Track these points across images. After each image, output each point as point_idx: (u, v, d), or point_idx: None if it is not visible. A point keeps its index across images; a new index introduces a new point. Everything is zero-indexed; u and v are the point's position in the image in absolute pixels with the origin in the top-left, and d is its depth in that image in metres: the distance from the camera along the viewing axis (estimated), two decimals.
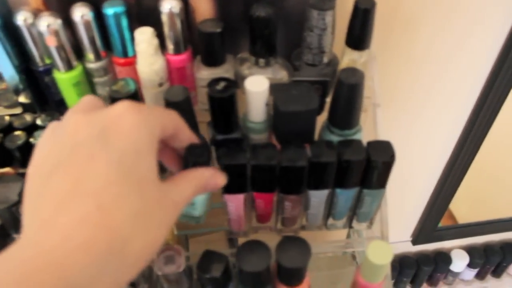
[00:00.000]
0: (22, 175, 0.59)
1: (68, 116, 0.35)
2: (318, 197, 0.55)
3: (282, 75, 0.56)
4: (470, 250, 1.30)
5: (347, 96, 0.50)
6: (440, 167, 0.99)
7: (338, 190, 0.54)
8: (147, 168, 0.33)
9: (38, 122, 0.60)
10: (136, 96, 0.51)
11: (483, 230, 1.21)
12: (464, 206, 1.19)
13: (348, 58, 0.56)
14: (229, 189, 0.53)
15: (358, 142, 0.51)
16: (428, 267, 1.26)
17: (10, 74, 0.56)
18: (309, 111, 0.50)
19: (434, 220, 1.11)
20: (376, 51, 0.60)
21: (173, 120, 0.39)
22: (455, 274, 1.33)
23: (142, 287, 0.57)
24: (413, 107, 0.82)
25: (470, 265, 1.31)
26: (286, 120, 0.51)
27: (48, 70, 0.55)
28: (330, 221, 0.60)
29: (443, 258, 1.28)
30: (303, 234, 0.57)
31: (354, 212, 0.59)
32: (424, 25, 0.68)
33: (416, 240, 1.19)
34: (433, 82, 0.78)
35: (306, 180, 0.52)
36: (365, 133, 0.56)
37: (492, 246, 1.30)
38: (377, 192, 0.55)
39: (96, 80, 0.58)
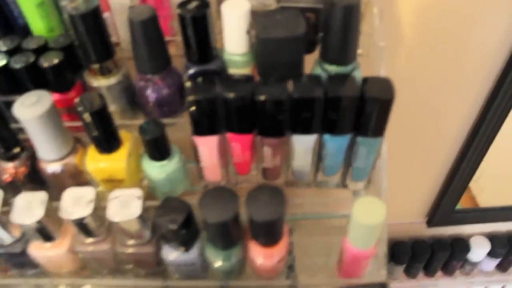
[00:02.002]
0: None
1: None
2: (303, 143, 0.47)
3: (270, 2, 0.48)
4: (492, 237, 1.19)
5: (340, 21, 0.42)
6: (460, 140, 0.89)
7: (326, 137, 0.46)
8: None
9: None
10: (96, 14, 0.45)
11: (507, 216, 1.11)
12: (488, 189, 1.09)
13: None
14: (199, 130, 0.46)
15: (351, 77, 0.44)
16: (444, 253, 1.17)
17: None
18: (294, 39, 0.42)
19: (452, 200, 1.02)
20: None
21: None
22: (474, 264, 1.23)
23: (98, 234, 0.51)
24: (430, 57, 0.73)
25: (491, 254, 1.20)
26: (268, 50, 0.43)
27: None
28: (320, 176, 0.53)
29: (461, 245, 1.18)
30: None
31: (348, 167, 0.51)
32: None
33: (431, 221, 1.09)
34: (459, 36, 0.69)
35: (287, 121, 0.44)
36: None
37: None
38: (374, 142, 0.47)
39: (64, 3, 0.51)
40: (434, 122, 0.84)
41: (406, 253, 1.16)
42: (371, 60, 0.52)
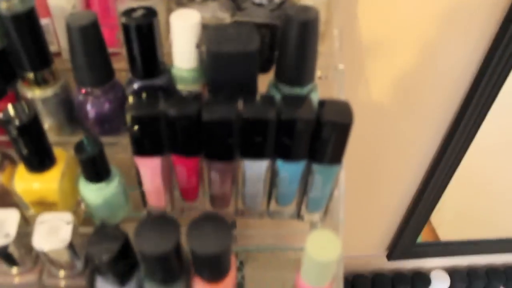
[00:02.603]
0: None
1: None
2: (254, 169, 0.43)
3: (223, 16, 0.45)
4: (452, 272, 1.18)
5: (296, 37, 0.39)
6: (421, 172, 0.87)
7: (280, 163, 0.43)
8: None
9: None
10: (31, 16, 0.41)
11: (467, 250, 1.10)
12: (448, 222, 1.08)
13: (306, 1, 0.45)
14: (140, 149, 0.42)
15: (307, 98, 0.40)
16: (404, 286, 1.15)
17: None
18: (247, 54, 0.39)
19: (412, 233, 1.00)
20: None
21: None
22: None
23: (24, 264, 0.46)
24: (390, 82, 0.71)
25: None
26: (218, 65, 0.40)
27: None
28: (273, 206, 0.49)
29: (422, 279, 1.17)
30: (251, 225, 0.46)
31: (303, 197, 0.48)
32: None
33: (391, 254, 1.07)
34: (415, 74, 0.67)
35: (236, 143, 0.40)
36: None
37: (476, 269, 1.19)
38: (331, 169, 0.44)
39: None
40: (395, 151, 0.82)
41: (366, 287, 1.13)
42: (330, 82, 0.49)
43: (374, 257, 1.10)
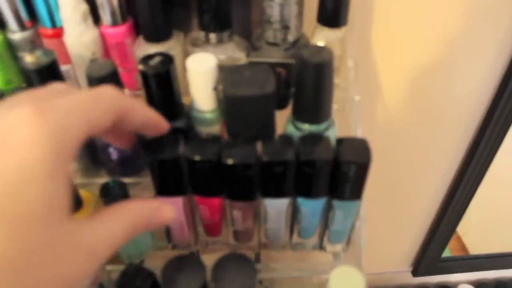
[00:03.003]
0: None
1: None
2: (275, 207, 0.44)
3: (239, 56, 0.46)
4: (479, 285, 1.16)
5: (312, 79, 0.40)
6: (443, 189, 0.86)
7: (300, 200, 0.43)
8: (38, 200, 0.23)
9: None
10: (53, 69, 0.42)
11: (494, 264, 1.08)
12: (476, 235, 1.06)
13: (320, 38, 0.45)
14: (163, 190, 0.43)
15: (324, 138, 0.41)
16: None
17: None
18: (263, 97, 0.40)
19: (437, 248, 0.98)
20: (357, 30, 0.50)
21: (110, 108, 0.29)
22: None
23: None
24: (408, 107, 0.70)
25: None
26: (236, 108, 0.41)
27: None
28: (296, 239, 0.49)
29: None
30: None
31: (325, 229, 0.48)
32: None
33: (416, 271, 1.05)
34: (437, 72, 0.66)
35: (257, 184, 0.41)
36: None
37: (505, 282, 1.16)
38: (351, 205, 0.44)
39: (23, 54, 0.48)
40: (416, 172, 0.81)
41: None
42: (347, 114, 0.49)
43: (399, 273, 1.09)
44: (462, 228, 1.07)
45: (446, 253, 1.07)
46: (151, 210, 0.31)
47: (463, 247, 1.11)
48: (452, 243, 1.09)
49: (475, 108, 0.71)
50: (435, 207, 0.91)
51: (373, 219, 0.64)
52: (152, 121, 0.34)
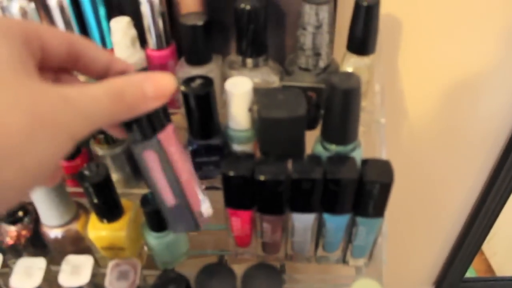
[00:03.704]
0: None
1: None
2: (302, 222, 0.47)
3: (273, 79, 0.50)
4: None
5: (340, 104, 0.43)
6: (468, 206, 0.88)
7: (326, 216, 0.46)
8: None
9: None
10: None
11: None
12: (503, 257, 1.06)
13: (349, 64, 0.49)
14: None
15: (350, 159, 0.44)
16: None
17: None
18: (295, 119, 0.43)
19: (460, 268, 0.99)
20: (384, 57, 0.53)
21: (63, 33, 0.28)
22: None
23: None
24: (432, 130, 0.72)
25: None
26: (269, 129, 0.44)
27: None
28: (320, 252, 0.52)
29: None
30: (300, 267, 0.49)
31: (348, 244, 0.51)
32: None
33: None
34: (461, 96, 0.68)
35: (286, 200, 0.44)
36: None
37: None
38: (373, 222, 0.47)
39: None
40: (440, 191, 0.83)
41: None
42: (373, 136, 0.52)
43: None
44: (490, 249, 1.07)
45: (472, 274, 1.07)
46: (145, 78, 0.27)
47: (490, 269, 1.11)
48: (478, 264, 1.10)
49: (499, 130, 0.73)
50: (459, 227, 0.92)
51: (396, 236, 0.66)
52: (111, 59, 0.31)
